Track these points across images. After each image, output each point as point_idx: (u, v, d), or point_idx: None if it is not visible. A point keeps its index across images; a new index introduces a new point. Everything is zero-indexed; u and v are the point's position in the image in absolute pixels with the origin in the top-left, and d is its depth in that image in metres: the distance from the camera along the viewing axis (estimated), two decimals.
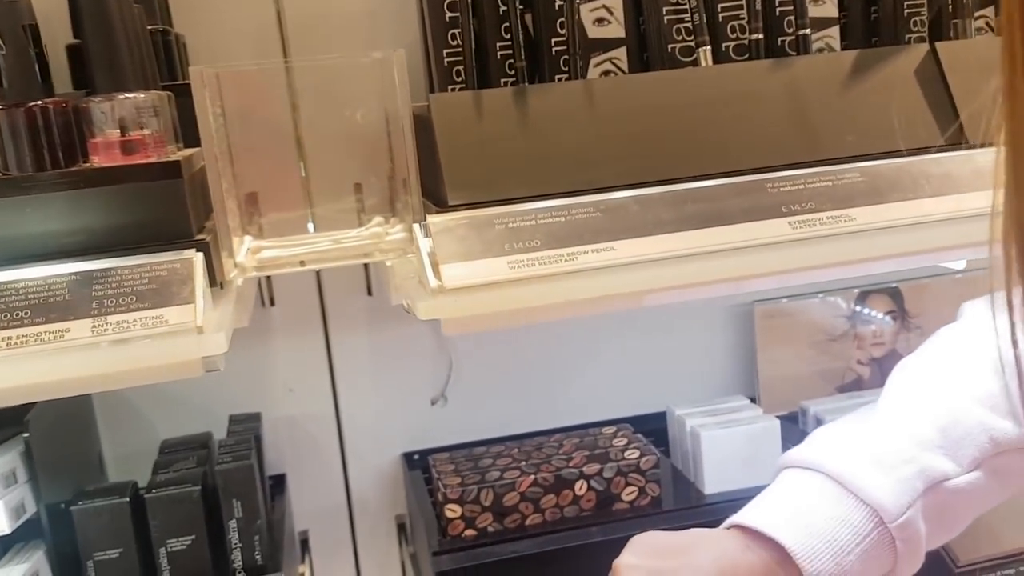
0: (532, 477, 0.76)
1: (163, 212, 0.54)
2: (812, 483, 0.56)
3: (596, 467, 0.77)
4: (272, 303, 0.87)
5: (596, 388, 0.94)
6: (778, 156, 0.60)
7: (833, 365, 0.96)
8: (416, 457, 0.91)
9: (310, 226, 0.71)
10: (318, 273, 0.89)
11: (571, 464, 0.78)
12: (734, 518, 0.57)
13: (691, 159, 0.59)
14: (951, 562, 0.68)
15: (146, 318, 0.49)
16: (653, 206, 0.55)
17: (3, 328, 0.47)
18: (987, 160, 0.58)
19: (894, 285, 0.96)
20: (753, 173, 0.58)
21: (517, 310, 0.52)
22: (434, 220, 0.55)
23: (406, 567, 0.94)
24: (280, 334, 0.89)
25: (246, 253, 0.62)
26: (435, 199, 0.61)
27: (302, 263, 0.61)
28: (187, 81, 0.58)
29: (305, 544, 0.91)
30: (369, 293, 0.89)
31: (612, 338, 0.94)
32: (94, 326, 0.48)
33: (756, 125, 0.61)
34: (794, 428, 0.89)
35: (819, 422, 0.88)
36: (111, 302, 0.49)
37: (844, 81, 0.64)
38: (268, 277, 0.87)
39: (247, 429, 0.79)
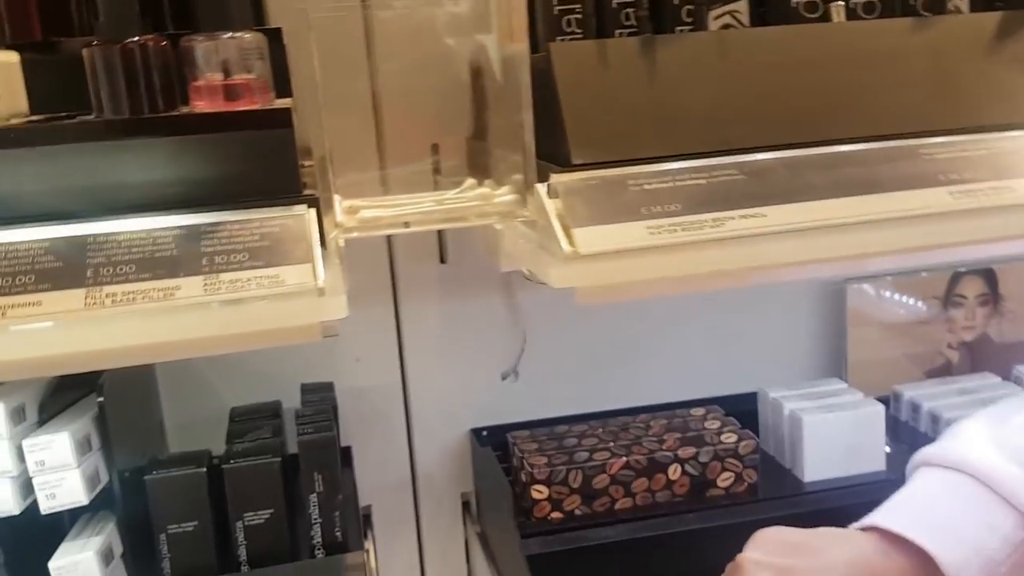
0: (624, 459, 0.72)
1: (271, 164, 0.49)
2: (957, 485, 0.52)
3: (691, 451, 0.73)
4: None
5: (678, 367, 0.90)
6: (924, 121, 0.55)
7: (923, 349, 0.92)
8: (485, 433, 0.87)
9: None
10: (389, 238, 0.84)
11: (664, 447, 0.74)
12: (871, 518, 0.53)
13: (833, 120, 0.54)
14: None
15: (262, 277, 0.44)
16: (802, 169, 0.51)
17: (106, 284, 0.43)
18: None
19: (989, 267, 0.91)
20: (900, 138, 0.54)
21: (659, 280, 0.47)
22: (560, 179, 0.51)
23: (470, 546, 0.90)
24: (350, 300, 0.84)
25: (342, 213, 0.57)
26: (551, 158, 0.56)
27: (407, 224, 0.57)
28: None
29: (368, 520, 0.87)
30: (442, 261, 0.85)
31: (694, 314, 0.90)
32: (206, 284, 0.44)
33: (899, 87, 0.56)
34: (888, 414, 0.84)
35: (915, 408, 0.84)
36: (222, 259, 0.45)
37: (988, 44, 0.59)
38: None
39: (323, 399, 0.75)
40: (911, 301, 0.90)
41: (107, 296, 0.42)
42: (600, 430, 0.78)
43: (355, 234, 0.55)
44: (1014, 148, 0.51)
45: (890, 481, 0.74)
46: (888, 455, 0.77)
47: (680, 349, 0.90)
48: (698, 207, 0.49)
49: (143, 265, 0.44)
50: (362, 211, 0.56)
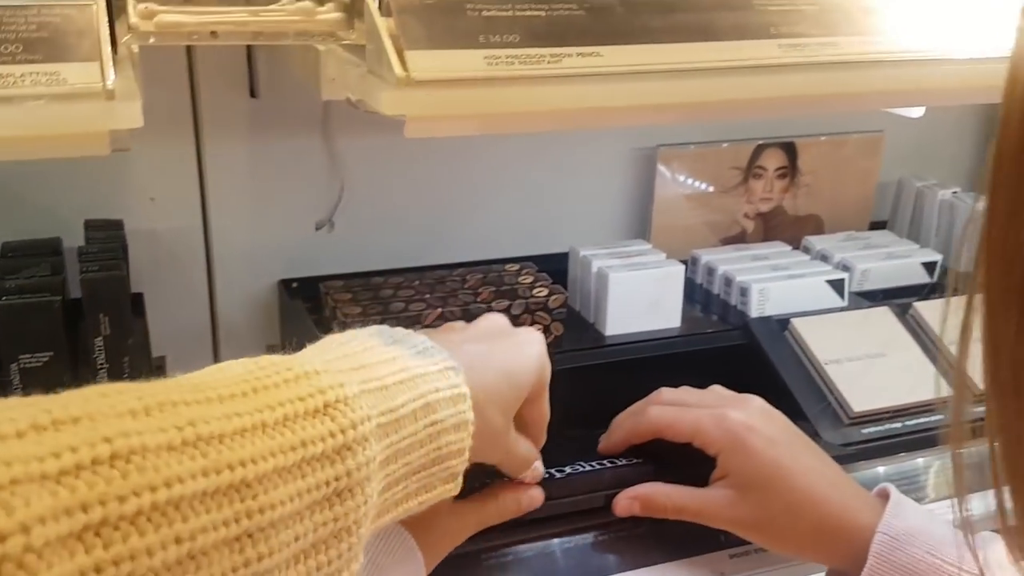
0: (439, 310, 0.71)
1: None
2: None
3: (504, 303, 0.73)
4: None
5: (496, 224, 0.89)
6: None
7: (721, 217, 0.96)
8: (295, 285, 0.83)
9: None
10: (191, 64, 0.76)
11: (479, 299, 0.73)
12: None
13: None
14: (844, 413, 0.72)
15: (38, 73, 0.38)
16: (640, 11, 0.49)
17: None
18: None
19: (790, 140, 0.96)
20: None
21: (495, 114, 0.45)
22: None
23: None
24: (142, 131, 0.75)
25: (137, 16, 0.50)
26: None
27: (214, 34, 0.50)
28: None
29: (161, 371, 0.82)
30: (253, 95, 0.78)
31: (513, 172, 0.89)
32: None
33: None
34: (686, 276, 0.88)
35: (710, 271, 0.88)
36: None
37: None
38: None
39: (110, 237, 0.68)
40: (717, 170, 0.94)
41: None
42: (416, 283, 0.77)
43: (152, 40, 0.49)
44: (839, 4, 0.52)
45: (682, 337, 0.79)
46: (683, 313, 0.81)
47: (499, 207, 0.89)
48: (537, 40, 0.47)
49: None
50: (160, 15, 0.50)
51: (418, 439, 0.42)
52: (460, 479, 0.46)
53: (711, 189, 0.95)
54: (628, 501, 0.61)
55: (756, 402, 0.61)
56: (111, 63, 0.40)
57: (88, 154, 0.39)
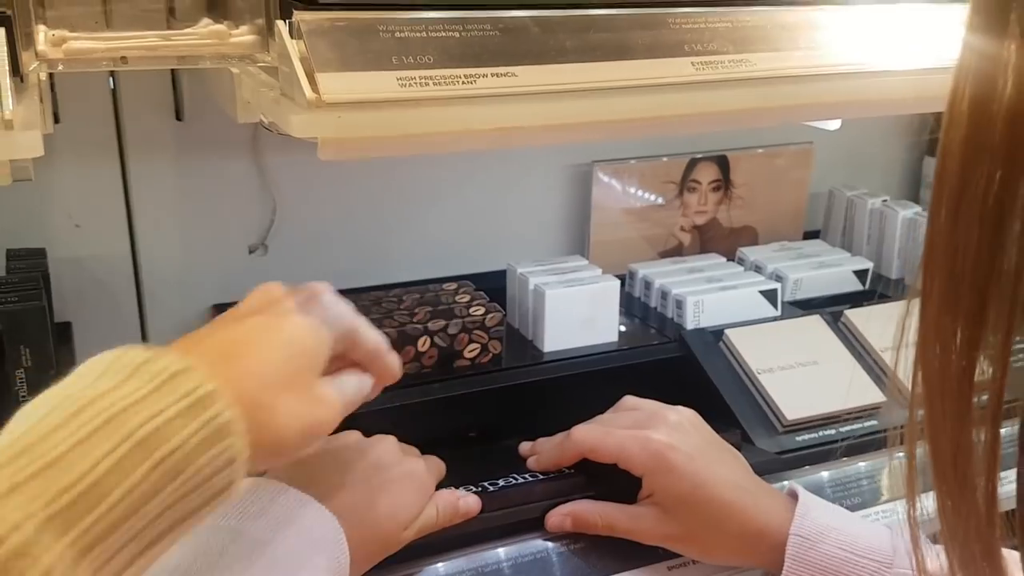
0: None
1: None
2: None
3: (441, 323, 0.73)
4: (56, 120, 0.72)
5: (432, 243, 0.89)
6: None
7: (658, 231, 0.97)
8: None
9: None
10: (114, 88, 0.75)
11: (415, 320, 0.73)
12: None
13: None
14: (778, 421, 0.72)
15: None
16: (555, 30, 0.50)
17: None
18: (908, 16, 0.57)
19: (722, 153, 0.97)
20: (651, 6, 0.54)
21: (408, 136, 0.45)
22: (304, 17, 0.46)
23: None
24: (66, 158, 0.74)
25: (45, 43, 0.49)
26: None
27: (123, 59, 0.50)
28: None
29: None
30: (178, 118, 0.77)
31: (449, 192, 0.89)
32: None
33: None
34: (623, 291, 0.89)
35: (647, 284, 0.89)
36: None
37: None
38: (52, 88, 0.71)
39: (31, 266, 0.67)
40: (653, 184, 0.95)
41: None
42: (352, 305, 0.76)
43: (60, 67, 0.48)
44: (755, 22, 0.53)
45: (619, 351, 0.80)
46: (620, 328, 0.81)
47: (435, 226, 0.89)
48: (451, 61, 0.47)
49: None
50: (70, 42, 0.49)
51: (142, 491, 0.33)
52: (239, 481, 0.38)
53: (647, 203, 0.95)
54: (560, 518, 0.61)
55: (673, 417, 0.62)
56: (10, 92, 0.39)
57: None
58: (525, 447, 0.68)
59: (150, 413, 0.34)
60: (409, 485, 0.56)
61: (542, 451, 0.66)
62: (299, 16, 0.46)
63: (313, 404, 0.43)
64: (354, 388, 0.49)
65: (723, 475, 0.59)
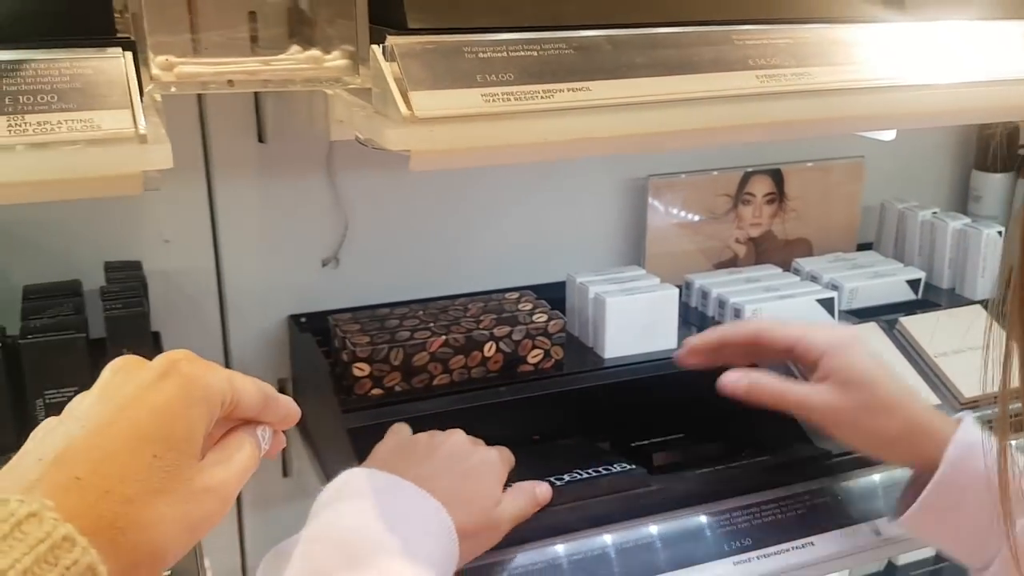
0: (443, 338, 0.74)
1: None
2: None
3: (506, 329, 0.77)
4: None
5: (495, 255, 0.92)
6: (737, 10, 0.59)
7: (713, 243, 1.00)
8: (304, 320, 0.86)
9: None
10: (201, 110, 0.80)
11: (480, 327, 0.76)
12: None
13: (655, 3, 0.57)
14: None
15: (73, 120, 0.41)
16: (625, 48, 0.53)
17: None
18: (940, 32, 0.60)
19: (776, 167, 1.00)
20: (715, 24, 0.57)
21: (493, 147, 0.49)
22: (397, 42, 0.50)
23: (288, 430, 0.90)
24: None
25: (157, 67, 0.54)
26: (383, 24, 0.55)
27: (230, 83, 0.54)
28: None
29: None
30: (260, 140, 0.82)
31: (510, 205, 0.93)
32: (10, 125, 0.40)
33: None
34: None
35: (704, 294, 0.91)
36: (28, 99, 0.41)
37: None
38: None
39: (129, 277, 0.71)
40: (708, 197, 0.98)
41: None
42: (421, 312, 0.80)
43: (173, 89, 0.53)
44: (814, 39, 0.56)
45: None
46: (678, 335, 0.84)
47: (498, 238, 0.93)
48: (530, 78, 0.50)
49: None
50: (179, 66, 0.53)
51: None
52: None
53: (702, 216, 0.98)
54: (737, 376, 0.66)
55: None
56: (141, 110, 0.43)
57: (123, 193, 0.43)
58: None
59: (4, 565, 0.31)
60: (487, 472, 0.59)
61: (706, 331, 0.69)
62: (392, 41, 0.50)
63: (194, 500, 0.38)
64: (247, 455, 0.42)
65: (897, 375, 0.64)
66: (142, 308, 0.64)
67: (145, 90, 0.52)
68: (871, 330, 0.84)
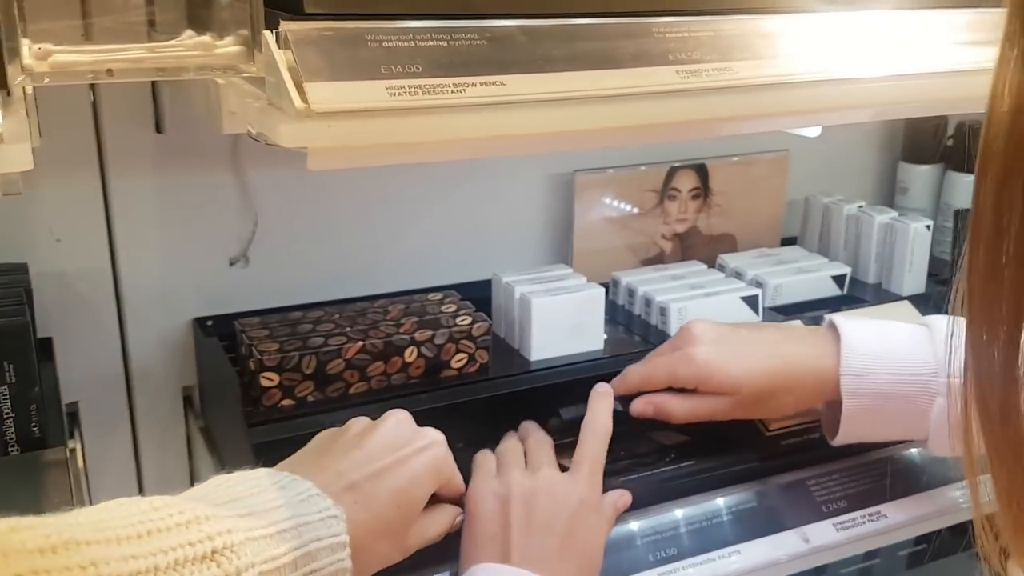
0: (360, 343, 0.71)
1: None
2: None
3: (428, 333, 0.73)
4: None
5: (416, 254, 0.89)
6: (658, 1, 0.57)
7: (640, 239, 0.98)
8: (210, 323, 0.81)
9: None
10: (95, 102, 0.74)
11: (401, 330, 0.73)
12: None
13: None
14: (763, 426, 0.73)
15: None
16: (542, 40, 0.50)
17: None
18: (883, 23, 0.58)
19: (701, 162, 0.98)
20: (635, 15, 0.54)
21: (399, 145, 0.45)
22: (291, 27, 0.46)
23: (192, 441, 0.85)
24: (46, 172, 0.74)
25: (30, 56, 0.49)
26: (280, 6, 0.51)
27: (110, 72, 0.49)
28: None
29: (74, 417, 0.79)
30: (158, 130, 0.76)
31: (431, 201, 0.89)
32: None
33: None
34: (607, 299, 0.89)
35: (631, 292, 0.89)
36: None
37: None
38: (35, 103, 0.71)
39: (13, 281, 0.66)
40: (634, 193, 0.96)
41: None
42: (337, 316, 0.76)
43: (47, 81, 0.47)
44: (738, 31, 0.54)
45: (606, 358, 0.80)
46: (606, 334, 0.82)
47: (418, 237, 0.89)
48: (439, 71, 0.47)
49: None
50: (55, 55, 0.48)
51: None
52: None
53: (629, 212, 0.96)
54: (644, 404, 0.67)
55: (697, 326, 0.68)
56: None
57: None
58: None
59: (314, 536, 0.46)
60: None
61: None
62: (286, 26, 0.46)
63: (397, 552, 0.53)
64: (435, 533, 0.57)
65: (761, 354, 0.66)
66: (24, 317, 0.59)
67: (15, 82, 0.47)
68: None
